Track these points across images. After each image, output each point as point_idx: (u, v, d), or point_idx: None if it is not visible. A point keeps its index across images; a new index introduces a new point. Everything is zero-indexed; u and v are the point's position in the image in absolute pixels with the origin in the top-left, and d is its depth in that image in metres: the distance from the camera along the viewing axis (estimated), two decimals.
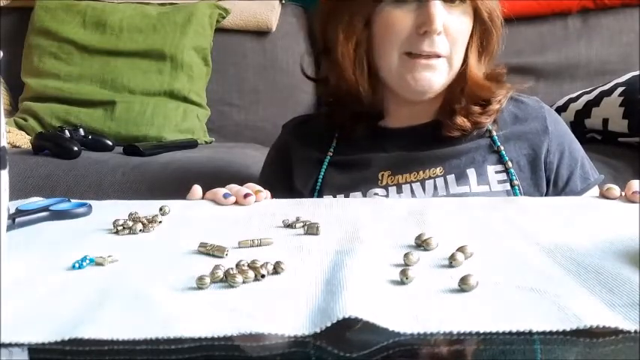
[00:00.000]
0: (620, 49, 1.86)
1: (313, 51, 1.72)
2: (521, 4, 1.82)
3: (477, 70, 0.89)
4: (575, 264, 0.48)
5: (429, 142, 0.90)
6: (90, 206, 0.70)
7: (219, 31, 1.92)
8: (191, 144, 1.64)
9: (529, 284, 0.44)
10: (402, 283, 0.45)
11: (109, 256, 0.51)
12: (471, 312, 0.39)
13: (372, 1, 0.84)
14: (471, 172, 0.87)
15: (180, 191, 0.80)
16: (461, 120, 0.89)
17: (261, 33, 1.96)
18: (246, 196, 0.73)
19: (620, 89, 1.45)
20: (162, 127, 1.71)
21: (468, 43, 0.87)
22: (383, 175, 0.89)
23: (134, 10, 1.89)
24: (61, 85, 1.80)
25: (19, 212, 0.65)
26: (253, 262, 0.48)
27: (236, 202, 0.74)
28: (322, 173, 0.92)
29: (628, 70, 1.56)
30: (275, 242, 0.56)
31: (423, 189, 0.87)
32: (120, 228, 0.61)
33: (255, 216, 0.68)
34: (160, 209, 0.68)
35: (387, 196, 0.87)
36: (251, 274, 0.46)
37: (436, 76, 0.85)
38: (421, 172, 0.88)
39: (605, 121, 1.45)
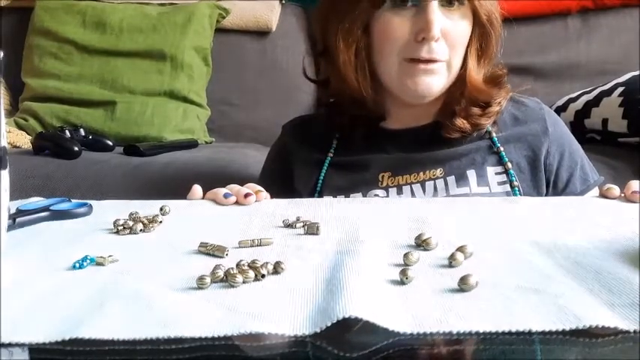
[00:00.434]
0: (619, 49, 1.86)
1: (313, 52, 1.72)
2: (521, 4, 1.82)
3: (477, 73, 0.89)
4: (575, 264, 0.48)
5: (429, 144, 0.91)
6: (90, 206, 0.70)
7: (219, 31, 1.92)
8: (191, 144, 1.64)
9: (529, 284, 0.44)
10: (401, 283, 0.45)
11: (110, 256, 0.52)
12: (470, 312, 0.39)
13: (370, 7, 0.84)
14: (471, 174, 0.87)
15: (180, 191, 0.80)
16: (461, 122, 0.89)
17: (261, 33, 1.96)
18: (246, 196, 0.73)
19: (619, 89, 1.45)
20: (162, 127, 1.71)
21: (467, 46, 0.87)
22: (383, 176, 0.89)
23: (134, 10, 1.89)
24: (61, 85, 1.80)
25: (20, 212, 0.65)
26: (253, 262, 0.48)
27: (236, 202, 0.74)
28: (322, 174, 0.92)
29: (628, 70, 1.56)
30: (275, 242, 0.56)
31: (423, 190, 0.87)
32: (120, 228, 0.61)
33: (256, 216, 0.68)
34: (161, 209, 0.69)
35: (387, 197, 0.87)
36: (251, 273, 0.46)
37: (435, 80, 0.85)
38: (421, 174, 0.88)
39: (605, 122, 1.45)
